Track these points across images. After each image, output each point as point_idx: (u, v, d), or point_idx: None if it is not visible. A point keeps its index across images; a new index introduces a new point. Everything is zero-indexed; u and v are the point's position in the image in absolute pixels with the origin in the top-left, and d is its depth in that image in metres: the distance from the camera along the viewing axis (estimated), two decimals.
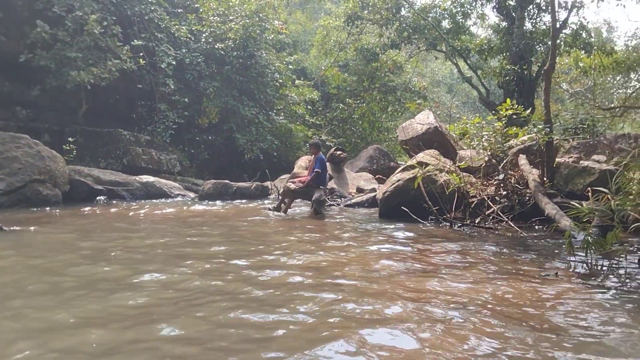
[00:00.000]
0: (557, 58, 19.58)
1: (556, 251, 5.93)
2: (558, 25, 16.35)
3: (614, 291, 4.14)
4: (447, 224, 8.00)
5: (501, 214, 7.87)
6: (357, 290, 3.99)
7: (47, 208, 10.93)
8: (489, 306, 3.62)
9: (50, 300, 3.73)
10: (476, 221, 7.87)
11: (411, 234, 7.06)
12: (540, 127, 8.55)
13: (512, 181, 8.76)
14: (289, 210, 10.01)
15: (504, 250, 5.96)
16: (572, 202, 6.12)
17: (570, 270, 4.98)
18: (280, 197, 10.49)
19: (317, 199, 9.57)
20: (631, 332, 3.15)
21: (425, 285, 4.20)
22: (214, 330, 3.10)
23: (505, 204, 8.36)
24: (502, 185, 8.72)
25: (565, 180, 8.41)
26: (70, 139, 14.45)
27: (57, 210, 10.57)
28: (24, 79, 15.10)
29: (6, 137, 12.04)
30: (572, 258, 5.44)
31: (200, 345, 2.86)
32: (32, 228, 7.59)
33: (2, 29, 14.53)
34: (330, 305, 3.60)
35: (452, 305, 3.61)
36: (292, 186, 9.92)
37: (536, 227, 7.72)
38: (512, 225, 7.46)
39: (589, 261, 5.31)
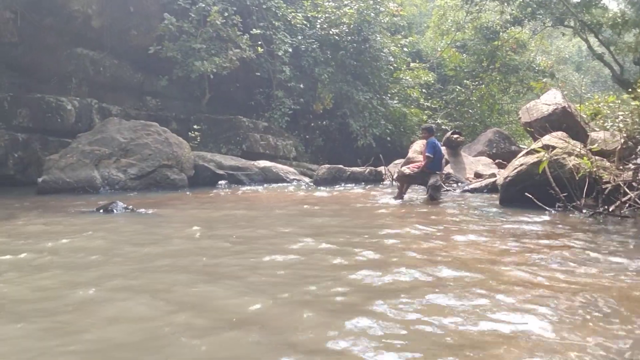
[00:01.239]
0: None
1: None
2: None
3: None
4: (577, 211, 7.42)
5: (639, 201, 7.15)
6: (470, 287, 3.77)
7: (177, 191, 11.65)
8: (619, 308, 3.26)
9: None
10: (610, 209, 7.20)
11: (537, 223, 6.62)
12: None
13: None
14: (405, 195, 9.82)
15: None
16: None
17: None
18: (397, 184, 10.31)
19: (433, 184, 9.28)
20: None
21: (551, 279, 3.87)
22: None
23: None
24: None
25: None
26: (195, 126, 15.21)
27: (187, 193, 11.25)
28: (153, 70, 16.15)
29: (138, 125, 12.94)
30: None
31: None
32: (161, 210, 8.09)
33: (134, 23, 15.59)
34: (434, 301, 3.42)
35: (579, 304, 3.30)
36: (407, 171, 9.70)
37: None
38: None
39: None
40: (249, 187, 12.87)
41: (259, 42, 17.12)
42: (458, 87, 25.05)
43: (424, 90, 24.27)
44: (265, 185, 13.49)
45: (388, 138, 20.47)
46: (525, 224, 6.58)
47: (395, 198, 9.64)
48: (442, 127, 21.81)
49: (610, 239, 5.50)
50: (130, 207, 7.94)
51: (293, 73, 18.47)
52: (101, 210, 7.75)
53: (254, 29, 17.08)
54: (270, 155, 16.88)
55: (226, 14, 15.85)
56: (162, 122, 14.37)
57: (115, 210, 7.69)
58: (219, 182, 13.32)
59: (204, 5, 15.39)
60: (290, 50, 18.09)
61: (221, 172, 13.72)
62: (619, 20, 20.36)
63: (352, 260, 4.43)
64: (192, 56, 15.35)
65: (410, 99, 23.19)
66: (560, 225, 6.41)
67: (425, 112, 23.28)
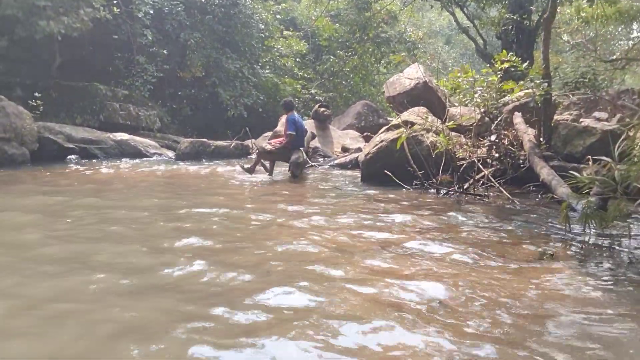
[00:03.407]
0: (558, 7, 18.53)
1: (552, 224, 5.30)
2: None
3: (616, 277, 3.55)
4: (433, 189, 7.36)
5: (492, 179, 7.20)
6: (314, 277, 3.34)
7: (16, 168, 10.27)
8: (472, 296, 3.00)
9: None
10: (464, 187, 7.19)
11: (392, 203, 6.41)
12: (538, 82, 7.80)
13: (506, 142, 8.05)
14: (264, 171, 9.35)
15: (494, 223, 5.32)
16: (570, 171, 5.44)
17: (567, 248, 4.36)
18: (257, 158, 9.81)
19: (295, 161, 8.87)
20: (632, 327, 2.65)
21: (399, 266, 3.57)
22: None
23: (498, 167, 7.69)
24: (494, 146, 8.02)
25: (564, 142, 7.70)
26: (37, 94, 13.55)
27: (26, 170, 9.93)
28: None
29: None
30: (570, 234, 4.81)
31: None
32: None
33: None
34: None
35: (427, 295, 2.99)
36: (268, 147, 9.18)
37: (531, 193, 7.08)
38: (504, 191, 6.80)
39: (589, 238, 4.69)
40: (105, 162, 11.71)
41: (115, 2, 15.58)
42: (332, 57, 24.82)
43: (297, 59, 23.77)
44: (121, 160, 12.37)
45: (260, 109, 19.81)
46: (379, 203, 6.35)
47: (249, 171, 9.18)
48: (316, 97, 21.55)
49: (458, 221, 5.37)
50: None
51: (156, 37, 17.13)
52: None
53: None
54: (131, 127, 15.64)
55: None
56: (4, 88, 12.65)
57: None
58: (68, 157, 12.01)
59: None
60: (151, 12, 16.68)
61: (71, 145, 12.36)
62: None
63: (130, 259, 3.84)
64: (36, 15, 13.57)
65: (284, 68, 22.60)
66: (411, 205, 6.24)
67: (299, 82, 22.83)
